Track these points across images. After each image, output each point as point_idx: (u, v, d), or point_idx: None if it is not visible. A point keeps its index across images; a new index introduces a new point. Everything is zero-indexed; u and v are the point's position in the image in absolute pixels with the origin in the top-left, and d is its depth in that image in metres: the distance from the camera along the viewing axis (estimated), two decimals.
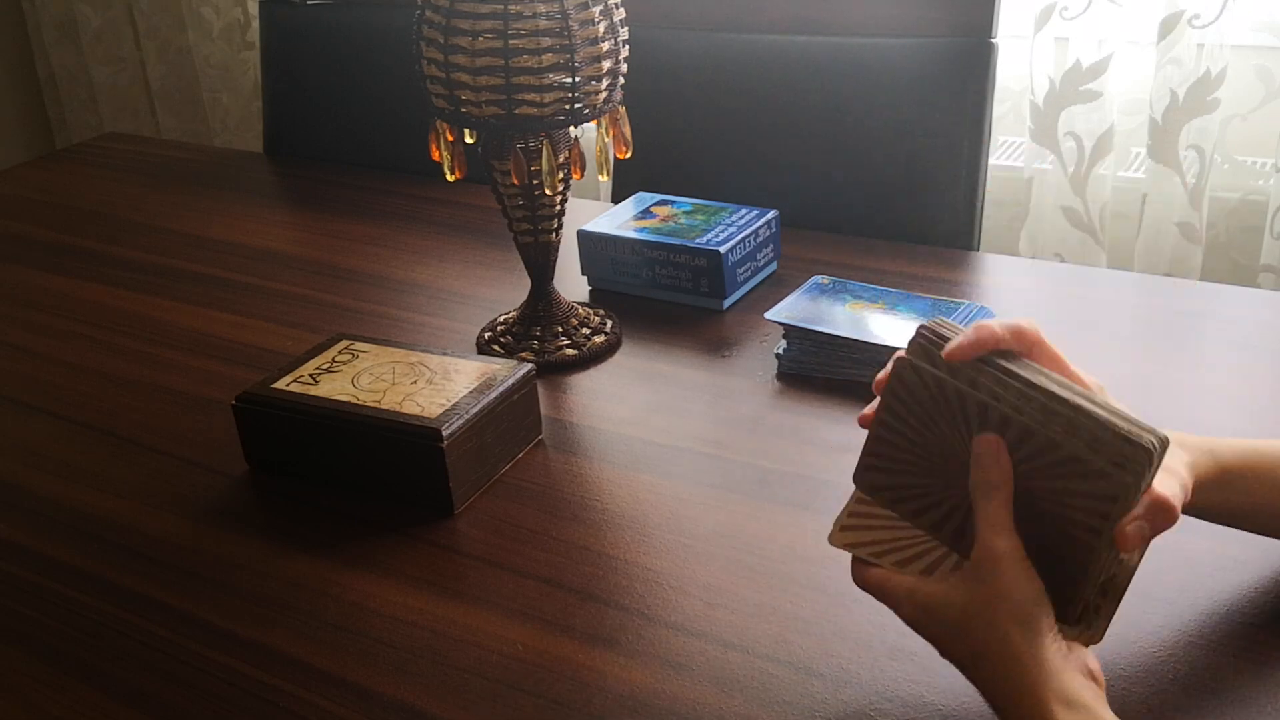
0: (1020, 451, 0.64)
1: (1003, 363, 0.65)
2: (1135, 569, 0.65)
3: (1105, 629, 0.64)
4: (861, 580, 0.70)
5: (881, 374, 0.70)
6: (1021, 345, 0.66)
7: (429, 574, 0.88)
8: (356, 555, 0.90)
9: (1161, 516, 0.62)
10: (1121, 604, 0.77)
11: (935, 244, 1.38)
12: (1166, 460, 0.64)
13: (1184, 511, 0.70)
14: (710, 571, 0.85)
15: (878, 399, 0.70)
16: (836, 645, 0.77)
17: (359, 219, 1.55)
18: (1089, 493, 0.61)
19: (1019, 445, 0.63)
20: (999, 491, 0.64)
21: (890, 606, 0.68)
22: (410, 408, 0.95)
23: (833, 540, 0.71)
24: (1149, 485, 0.62)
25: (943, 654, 0.66)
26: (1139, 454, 0.60)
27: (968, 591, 0.63)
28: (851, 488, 0.72)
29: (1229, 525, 0.76)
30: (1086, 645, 0.65)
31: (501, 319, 1.20)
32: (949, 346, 0.65)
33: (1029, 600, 0.62)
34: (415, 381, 0.99)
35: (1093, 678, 0.63)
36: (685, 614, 0.81)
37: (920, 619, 0.66)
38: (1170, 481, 0.64)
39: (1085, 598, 0.63)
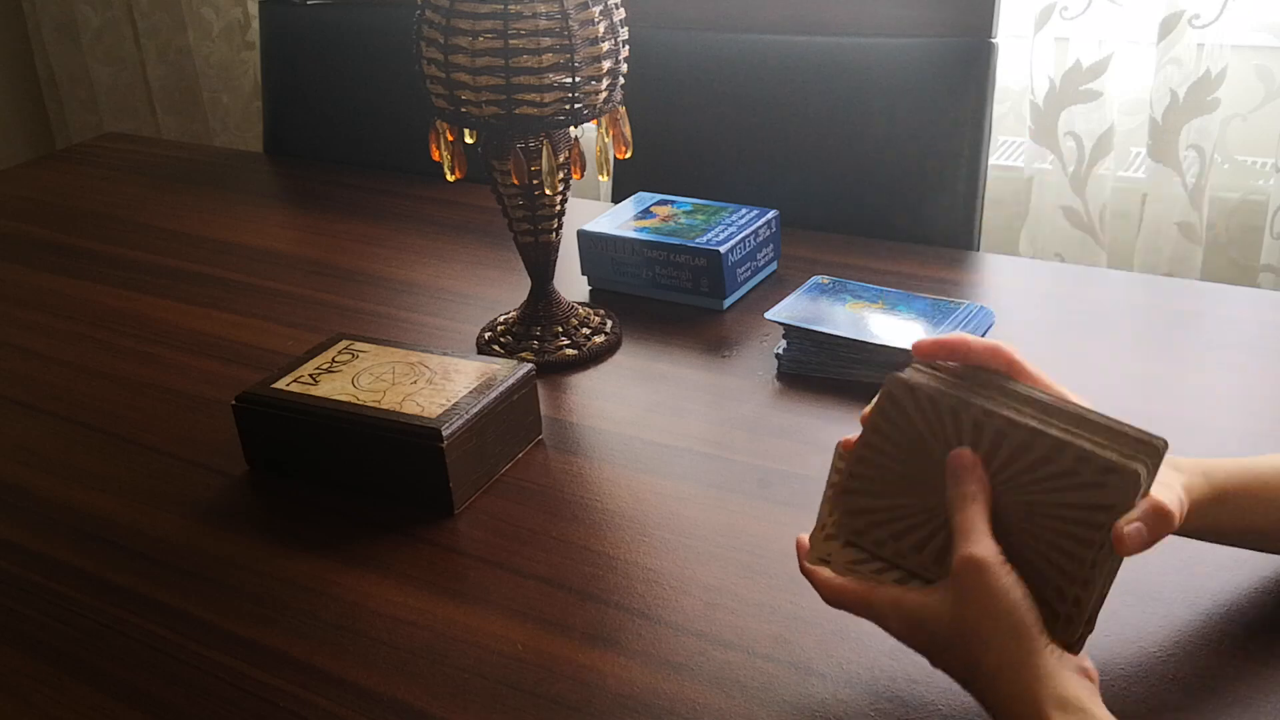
0: (1015, 465, 0.64)
1: (999, 380, 0.65)
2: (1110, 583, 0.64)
3: (1084, 642, 0.64)
4: (838, 598, 0.69)
5: (868, 408, 0.70)
6: (996, 363, 0.66)
7: (429, 574, 0.88)
8: (356, 555, 0.90)
9: (1160, 523, 0.61)
10: (1122, 604, 0.77)
11: (935, 244, 1.38)
12: (1163, 476, 0.63)
13: (1181, 533, 0.70)
14: (710, 571, 0.85)
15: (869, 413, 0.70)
16: (836, 645, 0.77)
17: (359, 219, 1.55)
18: (1083, 503, 0.62)
19: (1014, 459, 0.64)
20: (974, 502, 0.64)
21: (875, 621, 0.68)
22: (410, 408, 0.95)
23: (814, 551, 0.72)
24: (1146, 491, 0.62)
25: (934, 664, 0.66)
26: (1153, 443, 0.61)
27: (953, 604, 0.63)
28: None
29: (1225, 544, 0.76)
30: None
31: (501, 319, 1.20)
32: (918, 340, 0.67)
33: (1017, 607, 0.61)
34: (415, 381, 0.99)
35: (1086, 675, 0.62)
36: (685, 614, 0.81)
37: (908, 632, 0.66)
38: (1168, 494, 0.63)
39: (1085, 615, 0.63)
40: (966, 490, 0.65)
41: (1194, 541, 0.82)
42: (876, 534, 0.70)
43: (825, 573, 0.70)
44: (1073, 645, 0.63)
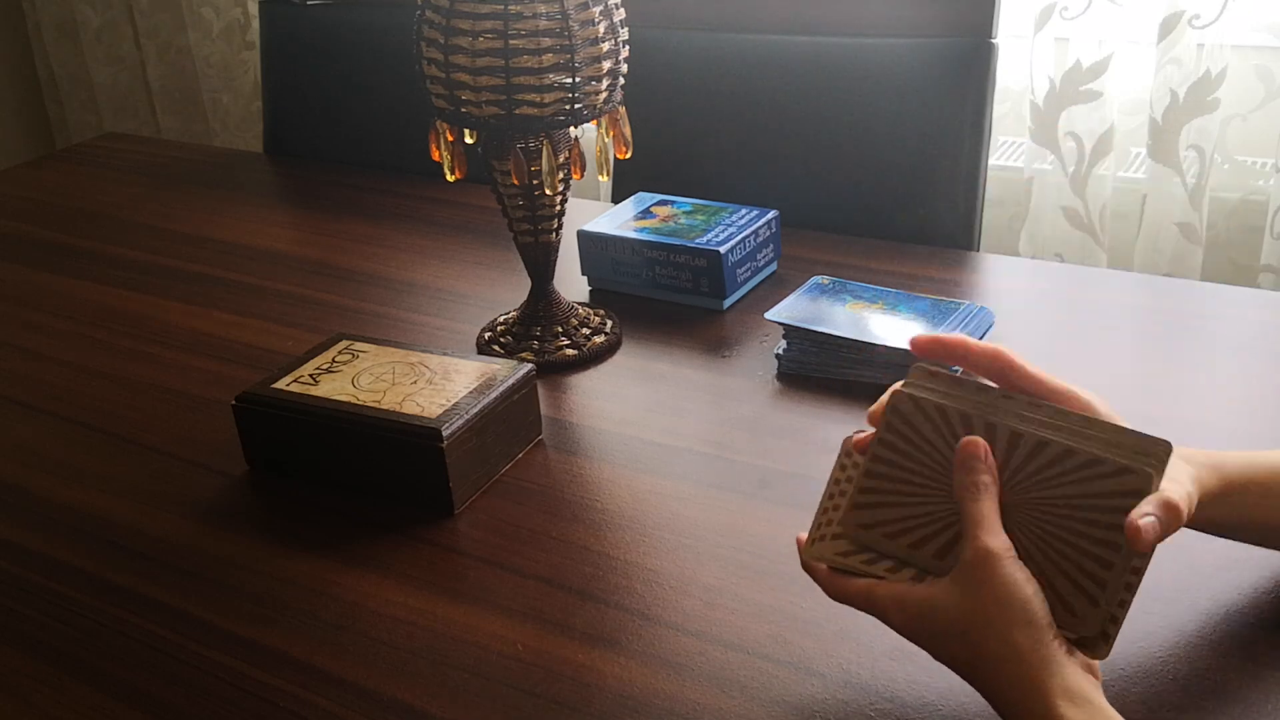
0: (1032, 464, 0.64)
1: (998, 393, 0.66)
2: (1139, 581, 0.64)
3: (1111, 647, 0.64)
4: (841, 593, 0.69)
5: (875, 406, 0.70)
6: (996, 365, 0.67)
7: (429, 574, 0.88)
8: (356, 555, 0.90)
9: (1171, 517, 0.62)
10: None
11: (935, 244, 1.38)
12: (1171, 471, 0.64)
13: (1188, 525, 0.70)
14: (710, 571, 0.85)
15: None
16: (836, 645, 0.77)
17: (359, 219, 1.55)
18: (1113, 491, 0.62)
19: (1031, 458, 0.64)
20: (986, 491, 0.64)
21: (877, 615, 0.67)
22: (410, 408, 0.95)
23: (808, 554, 0.71)
24: (1156, 488, 0.62)
25: (936, 657, 0.66)
26: (1159, 447, 0.62)
27: (963, 595, 0.63)
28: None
29: (1231, 538, 0.76)
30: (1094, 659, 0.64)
31: (501, 319, 1.20)
32: (916, 336, 0.67)
33: (1028, 599, 0.62)
34: (415, 381, 0.99)
35: (1090, 670, 0.62)
36: (685, 614, 0.81)
37: (912, 626, 0.66)
38: (1177, 489, 0.64)
39: (1109, 610, 0.63)
40: (979, 480, 0.65)
41: (1194, 542, 0.82)
42: (884, 539, 0.70)
43: (826, 568, 0.70)
44: (1093, 643, 0.63)
